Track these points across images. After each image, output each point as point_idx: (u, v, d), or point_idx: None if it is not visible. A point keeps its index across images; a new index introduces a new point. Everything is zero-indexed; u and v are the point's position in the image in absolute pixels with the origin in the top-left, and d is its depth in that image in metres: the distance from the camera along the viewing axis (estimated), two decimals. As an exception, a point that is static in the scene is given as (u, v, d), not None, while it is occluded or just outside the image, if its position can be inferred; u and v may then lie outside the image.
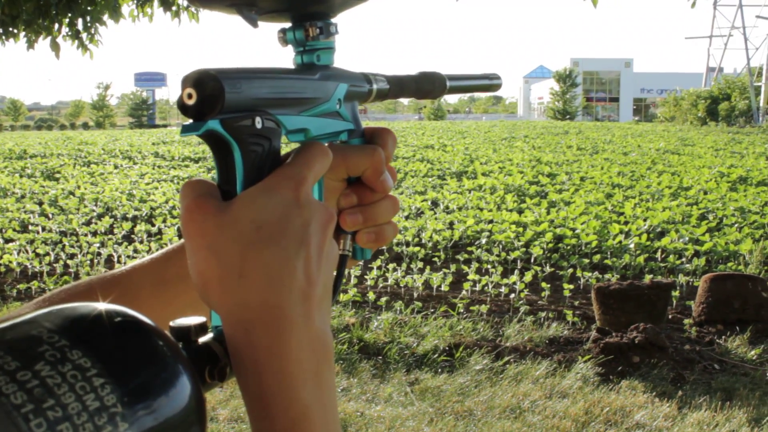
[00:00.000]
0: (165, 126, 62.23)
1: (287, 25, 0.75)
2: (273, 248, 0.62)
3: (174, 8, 7.57)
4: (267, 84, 0.66)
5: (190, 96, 0.61)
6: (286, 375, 0.61)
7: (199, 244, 0.63)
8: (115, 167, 19.51)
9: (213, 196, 0.64)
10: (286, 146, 0.71)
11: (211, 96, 0.61)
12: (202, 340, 0.62)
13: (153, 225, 11.35)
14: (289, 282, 0.62)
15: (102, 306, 0.55)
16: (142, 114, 75.94)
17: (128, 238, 10.73)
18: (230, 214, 0.62)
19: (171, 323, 0.61)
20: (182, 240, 0.78)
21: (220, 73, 0.61)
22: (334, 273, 0.70)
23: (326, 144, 0.75)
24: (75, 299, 0.83)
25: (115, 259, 9.30)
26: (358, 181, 0.78)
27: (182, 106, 0.62)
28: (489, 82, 0.97)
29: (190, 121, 0.62)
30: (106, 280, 0.85)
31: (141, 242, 10.26)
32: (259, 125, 0.64)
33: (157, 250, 9.46)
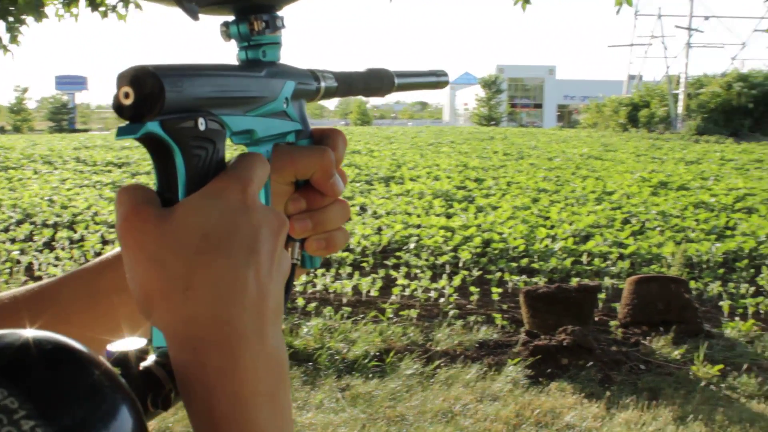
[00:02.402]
0: (86, 131, 60.85)
1: (230, 18, 0.70)
2: (221, 258, 0.57)
3: (102, 8, 7.41)
4: (210, 82, 0.61)
5: (126, 95, 0.56)
6: (239, 398, 0.56)
7: (139, 256, 0.57)
8: (35, 172, 18.97)
9: (152, 204, 0.58)
10: (235, 150, 0.66)
11: (149, 95, 0.56)
12: (143, 364, 0.57)
13: (75, 232, 11.05)
14: (240, 295, 0.57)
15: (27, 333, 0.49)
16: (62, 118, 74.04)
17: (49, 245, 10.42)
18: (173, 222, 0.57)
19: (108, 347, 0.56)
20: (117, 249, 0.72)
21: (159, 70, 0.56)
22: None
23: (272, 144, 0.71)
24: None
25: (36, 267, 9.02)
26: (307, 185, 0.74)
27: (118, 107, 0.56)
28: (436, 79, 0.94)
29: (126, 123, 0.56)
30: (34, 293, 0.78)
31: (63, 249, 9.98)
32: (202, 127, 0.59)
33: (79, 257, 9.27)
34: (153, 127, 0.56)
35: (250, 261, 0.58)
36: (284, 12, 0.72)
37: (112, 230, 11.00)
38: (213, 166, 0.61)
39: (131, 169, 19.17)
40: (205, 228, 0.57)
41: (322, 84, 0.77)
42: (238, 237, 0.58)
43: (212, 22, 0.72)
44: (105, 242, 10.33)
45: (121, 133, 0.56)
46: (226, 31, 0.70)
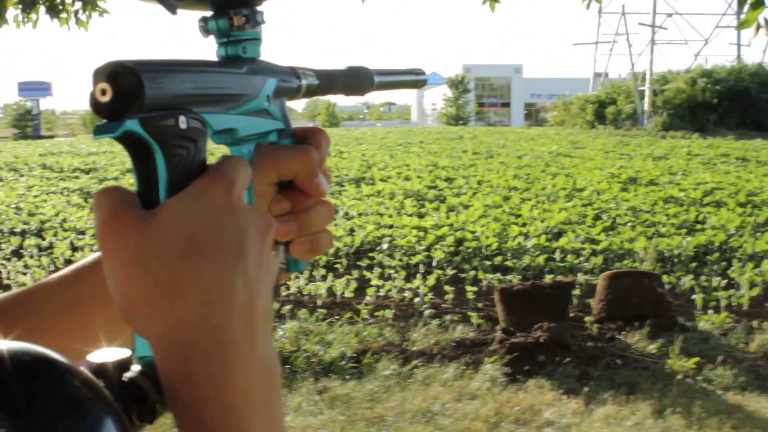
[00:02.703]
0: (51, 137, 60.19)
1: (209, 13, 0.67)
2: (208, 261, 0.54)
3: (63, 15, 7.31)
4: (191, 78, 0.59)
5: (103, 92, 0.53)
6: (232, 408, 0.53)
7: (121, 261, 0.54)
8: (0, 180, 18.75)
9: (133, 206, 0.55)
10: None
11: (128, 92, 0.53)
12: (127, 375, 0.54)
13: (43, 239, 10.91)
14: (229, 299, 0.54)
15: (2, 345, 0.46)
16: (27, 125, 73.13)
17: (17, 253, 10.27)
18: (156, 225, 0.54)
19: (89, 358, 0.53)
20: (95, 255, 0.69)
21: (139, 66, 0.53)
22: None
23: (254, 144, 0.69)
24: None
25: (4, 276, 8.88)
26: (290, 186, 0.72)
27: (95, 104, 0.53)
28: (415, 78, 0.92)
29: (104, 121, 0.53)
30: (6, 302, 0.75)
31: (31, 257, 9.84)
32: (183, 125, 0.57)
33: (48, 265, 9.14)
34: (132, 125, 0.53)
35: (238, 264, 0.55)
36: (264, 7, 0.69)
37: (81, 237, 10.87)
38: (195, 167, 0.58)
39: (99, 175, 18.98)
40: (190, 230, 0.54)
41: (303, 82, 0.74)
42: (225, 239, 0.55)
43: (189, 19, 0.70)
44: (74, 249, 10.19)
45: (99, 131, 0.53)
46: (205, 27, 0.68)
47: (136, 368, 0.55)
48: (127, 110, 0.53)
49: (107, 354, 0.53)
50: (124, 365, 0.53)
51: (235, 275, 0.54)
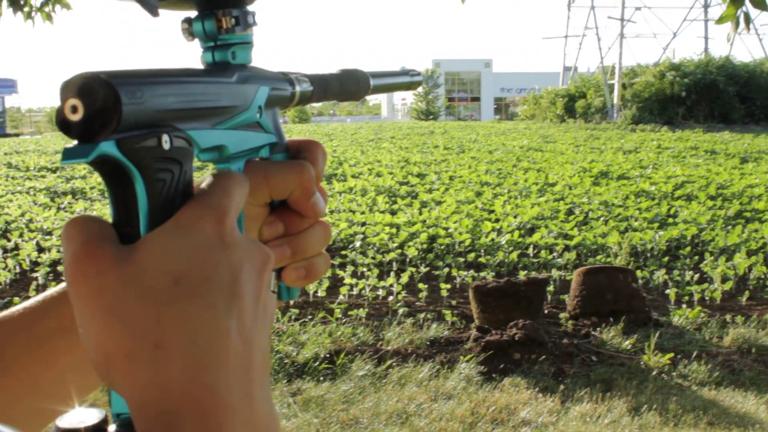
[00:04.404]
0: (17, 135, 59.40)
1: (194, 13, 0.60)
2: (197, 306, 0.46)
3: (26, 9, 7.15)
4: (174, 91, 0.51)
5: (74, 109, 0.46)
6: None
7: (95, 308, 0.46)
8: (-35, 180, 18.41)
9: (110, 241, 0.48)
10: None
11: (103, 109, 0.46)
12: None
13: (8, 240, 10.70)
14: (223, 352, 0.46)
15: None
16: (-8, 123, 72.27)
17: (-18, 255, 10.07)
18: (136, 264, 0.47)
19: (57, 423, 0.44)
20: (62, 285, 0.61)
21: (114, 78, 0.46)
22: None
23: (244, 161, 0.61)
24: None
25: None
26: (284, 206, 0.64)
27: (64, 123, 0.46)
28: (410, 79, 0.86)
29: (75, 142, 0.46)
30: None
31: (-4, 259, 9.64)
32: (167, 145, 0.49)
33: (14, 266, 8.95)
34: (108, 148, 0.46)
35: (232, 308, 0.47)
36: (255, 6, 0.61)
37: (47, 237, 10.67)
38: (180, 192, 0.51)
39: (65, 174, 18.70)
40: (176, 270, 0.47)
41: (297, 89, 0.68)
42: (217, 279, 0.47)
43: (170, 21, 0.61)
44: (41, 250, 9.99)
45: (69, 156, 0.46)
46: (189, 29, 0.60)
47: (112, 428, 0.47)
48: (102, 130, 0.46)
49: (79, 416, 0.46)
50: (98, 428, 0.46)
51: (229, 322, 0.47)
